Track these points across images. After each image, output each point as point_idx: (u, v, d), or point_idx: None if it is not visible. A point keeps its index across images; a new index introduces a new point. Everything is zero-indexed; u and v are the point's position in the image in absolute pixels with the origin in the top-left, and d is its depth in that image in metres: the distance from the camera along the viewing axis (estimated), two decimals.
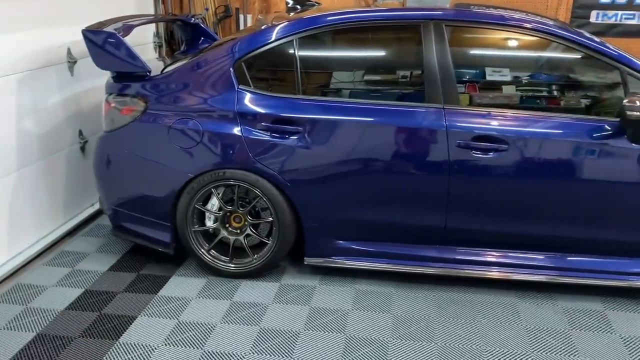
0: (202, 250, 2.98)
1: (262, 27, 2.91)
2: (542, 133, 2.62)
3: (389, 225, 2.83)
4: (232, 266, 2.99)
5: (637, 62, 2.60)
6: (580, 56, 2.76)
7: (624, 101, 2.42)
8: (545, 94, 2.89)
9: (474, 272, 2.82)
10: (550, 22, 2.80)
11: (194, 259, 3.08)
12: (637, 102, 2.39)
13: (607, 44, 2.70)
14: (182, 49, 3.99)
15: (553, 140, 2.61)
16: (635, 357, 2.39)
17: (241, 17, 5.23)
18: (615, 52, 2.62)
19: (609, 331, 2.56)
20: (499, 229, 2.78)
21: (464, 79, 2.84)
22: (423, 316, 2.69)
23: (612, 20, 4.78)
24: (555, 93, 2.89)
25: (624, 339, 2.50)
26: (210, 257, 2.99)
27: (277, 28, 2.83)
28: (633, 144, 2.54)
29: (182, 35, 3.95)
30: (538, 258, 2.81)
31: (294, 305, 2.77)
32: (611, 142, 2.57)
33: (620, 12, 4.74)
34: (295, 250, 2.96)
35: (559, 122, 2.64)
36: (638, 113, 2.38)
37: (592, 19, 4.80)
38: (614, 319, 2.65)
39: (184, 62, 2.99)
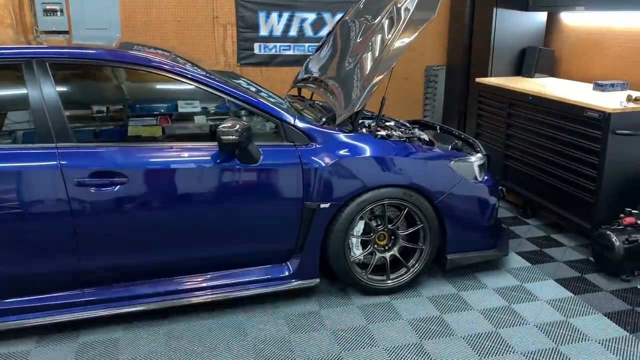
0: None
1: None
2: (163, 162, 2.71)
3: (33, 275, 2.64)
4: None
5: (236, 92, 2.86)
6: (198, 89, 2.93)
7: (219, 127, 2.64)
8: (171, 124, 3.03)
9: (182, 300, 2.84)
10: (171, 61, 2.86)
11: None
12: (228, 127, 2.62)
13: (217, 79, 2.89)
14: None
15: (176, 168, 2.71)
16: (346, 346, 2.68)
17: None
18: (220, 85, 2.85)
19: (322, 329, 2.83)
20: (148, 260, 2.79)
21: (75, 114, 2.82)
22: (150, 354, 2.61)
23: (272, 52, 5.33)
24: (180, 123, 3.05)
25: (333, 332, 2.80)
26: None
27: None
28: (242, 164, 2.78)
29: None
30: (209, 277, 2.90)
31: None
32: (228, 164, 2.78)
33: (278, 44, 5.32)
34: None
35: (180, 150, 2.76)
36: (230, 137, 2.62)
37: (256, 51, 5.28)
38: (325, 314, 2.95)
39: None
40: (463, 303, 3.09)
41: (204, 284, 2.89)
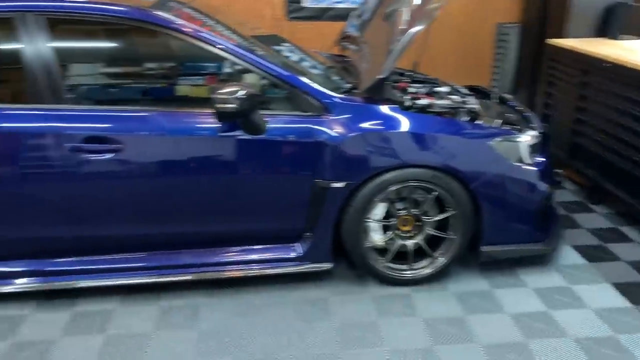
0: None
1: None
2: (162, 129, 2.49)
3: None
4: None
5: (241, 52, 2.54)
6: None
7: (214, 94, 2.34)
8: (174, 87, 2.78)
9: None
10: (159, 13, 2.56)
11: None
12: (227, 94, 2.32)
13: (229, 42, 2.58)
14: None
15: (175, 136, 2.49)
16: (344, 345, 2.40)
17: None
18: (227, 46, 2.54)
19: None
20: (147, 231, 2.65)
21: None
22: (140, 332, 2.51)
23: (324, 4, 4.90)
24: (183, 86, 2.79)
25: (339, 325, 2.55)
26: None
27: None
28: (249, 135, 2.51)
29: None
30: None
31: None
32: (231, 134, 2.51)
33: None
34: None
35: (183, 117, 2.53)
36: (228, 105, 2.33)
37: (305, 4, 4.89)
38: (333, 303, 2.69)
39: None
40: (494, 303, 2.69)
41: (204, 260, 2.71)
